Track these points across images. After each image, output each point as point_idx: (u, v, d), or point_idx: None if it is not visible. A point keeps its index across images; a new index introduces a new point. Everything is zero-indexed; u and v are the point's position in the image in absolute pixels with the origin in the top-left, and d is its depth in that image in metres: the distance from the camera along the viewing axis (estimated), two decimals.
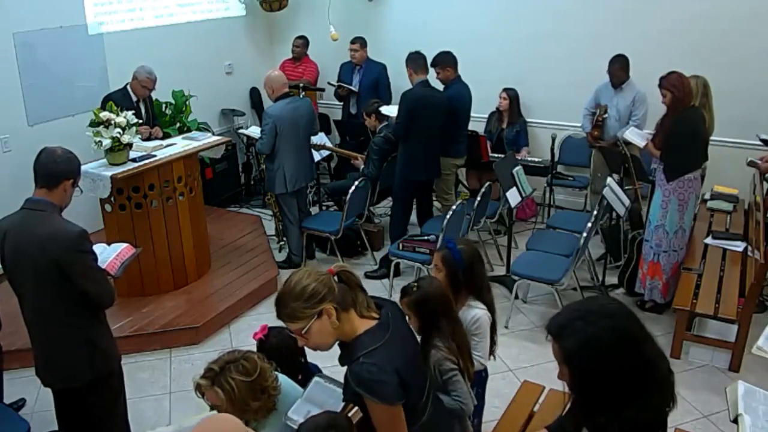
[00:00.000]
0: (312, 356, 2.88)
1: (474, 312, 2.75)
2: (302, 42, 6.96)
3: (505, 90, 6.11)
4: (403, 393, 1.97)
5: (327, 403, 2.23)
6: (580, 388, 1.64)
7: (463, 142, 5.46)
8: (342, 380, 2.34)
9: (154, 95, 5.79)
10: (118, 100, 4.77)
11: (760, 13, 5.24)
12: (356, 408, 2.05)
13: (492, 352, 2.90)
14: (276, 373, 2.32)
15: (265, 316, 4.78)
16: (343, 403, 2.15)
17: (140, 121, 4.86)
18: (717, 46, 5.38)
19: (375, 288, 5.05)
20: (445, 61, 5.25)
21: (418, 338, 2.44)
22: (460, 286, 2.75)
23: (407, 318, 2.49)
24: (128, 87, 5.24)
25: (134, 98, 5.24)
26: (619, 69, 5.41)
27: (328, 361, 3.06)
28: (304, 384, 2.61)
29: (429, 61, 5.20)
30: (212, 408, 2.19)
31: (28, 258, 2.63)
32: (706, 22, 5.41)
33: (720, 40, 5.37)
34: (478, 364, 2.74)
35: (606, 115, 5.56)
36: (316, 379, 2.36)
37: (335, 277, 2.02)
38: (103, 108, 4.45)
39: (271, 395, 2.21)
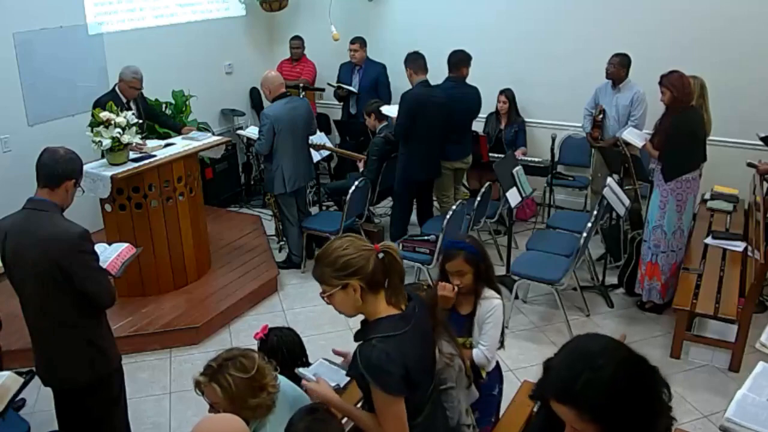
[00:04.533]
0: (313, 357, 2.89)
1: (494, 302, 2.78)
2: (299, 42, 6.97)
3: (503, 92, 6.11)
4: (405, 388, 1.99)
5: (332, 379, 2.36)
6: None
7: (455, 143, 5.38)
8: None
9: (153, 95, 5.80)
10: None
11: (761, 12, 5.24)
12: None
13: (501, 342, 2.91)
14: (276, 371, 2.31)
15: (265, 316, 4.79)
16: (347, 379, 2.23)
17: (140, 121, 4.85)
18: (717, 45, 5.38)
19: None
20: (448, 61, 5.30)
21: None
22: (483, 279, 2.78)
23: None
24: (117, 89, 5.13)
25: (124, 100, 5.09)
26: (618, 63, 5.39)
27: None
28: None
29: (430, 61, 5.20)
30: (211, 406, 2.19)
31: (29, 258, 2.63)
32: (707, 21, 5.41)
33: (720, 40, 5.38)
34: (484, 359, 2.76)
35: (601, 116, 5.57)
36: (321, 360, 2.48)
37: (380, 254, 2.00)
38: (92, 113, 4.38)
39: (270, 393, 2.21)
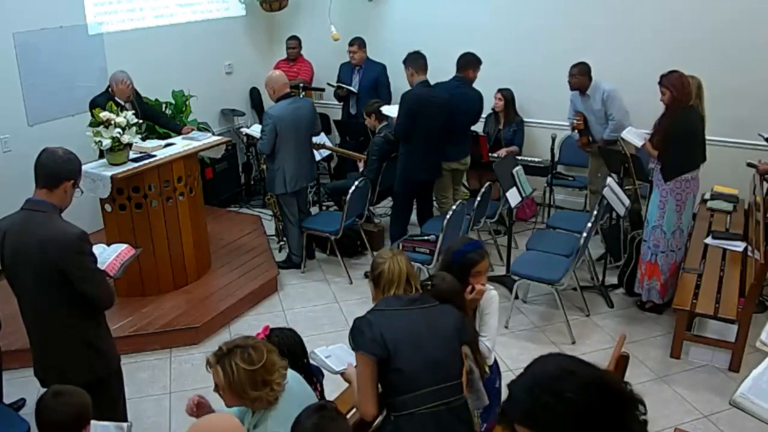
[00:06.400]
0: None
1: (492, 293, 2.89)
2: (296, 42, 6.98)
3: (500, 91, 6.11)
4: (376, 349, 2.26)
5: (347, 360, 2.67)
6: None
7: (453, 144, 5.37)
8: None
9: (153, 95, 5.80)
10: (104, 104, 4.55)
11: (761, 12, 5.23)
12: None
13: None
14: (286, 371, 2.32)
15: (265, 316, 4.78)
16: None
17: (140, 122, 4.84)
18: (717, 45, 5.37)
19: None
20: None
21: None
22: None
23: None
24: (110, 91, 5.09)
25: (120, 101, 5.00)
26: (578, 73, 5.41)
27: None
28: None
29: (430, 61, 5.18)
30: (216, 385, 2.25)
31: (28, 259, 2.63)
32: (707, 20, 5.41)
33: (720, 40, 5.37)
34: (486, 349, 2.79)
35: (576, 121, 5.58)
36: (340, 344, 2.76)
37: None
38: (90, 113, 4.38)
39: (273, 389, 2.22)
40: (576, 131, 5.67)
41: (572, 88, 5.52)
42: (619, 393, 1.43)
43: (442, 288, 2.59)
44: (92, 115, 4.33)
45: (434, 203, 5.78)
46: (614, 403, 1.41)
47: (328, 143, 6.13)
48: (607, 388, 1.42)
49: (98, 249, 2.94)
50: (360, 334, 2.29)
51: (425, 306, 2.39)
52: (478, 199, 5.12)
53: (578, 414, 1.37)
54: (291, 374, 2.38)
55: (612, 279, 5.06)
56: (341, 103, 6.89)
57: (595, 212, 4.64)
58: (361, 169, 5.70)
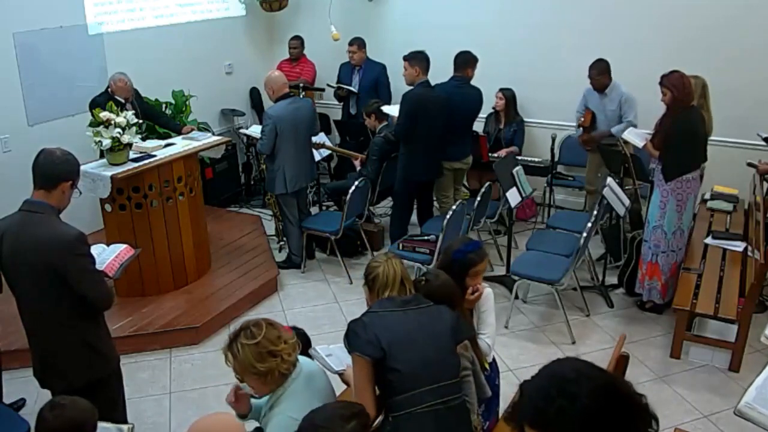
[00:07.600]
0: None
1: (488, 290, 2.91)
2: (298, 42, 6.98)
3: (501, 90, 6.11)
4: (371, 350, 2.27)
5: (345, 359, 2.68)
6: None
7: (455, 144, 5.37)
8: None
9: (153, 95, 5.79)
10: (104, 104, 4.57)
11: (760, 11, 5.23)
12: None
13: None
14: (294, 341, 2.37)
15: (264, 316, 4.75)
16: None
17: (140, 122, 4.84)
18: (717, 45, 5.37)
19: None
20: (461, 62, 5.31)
21: None
22: None
23: None
24: (109, 91, 5.11)
25: (120, 99, 5.06)
26: (597, 74, 5.40)
27: None
28: None
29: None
30: (237, 375, 2.31)
31: (26, 260, 2.62)
32: (707, 20, 5.41)
33: (720, 39, 5.37)
34: (486, 346, 2.80)
35: (584, 119, 5.57)
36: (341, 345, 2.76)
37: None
38: (91, 113, 4.39)
39: (284, 359, 2.27)
40: (580, 128, 5.66)
41: (595, 89, 5.50)
42: (632, 402, 1.43)
43: (435, 285, 2.60)
44: (92, 115, 4.34)
45: (434, 203, 5.78)
46: (626, 411, 1.40)
47: (328, 143, 6.13)
48: (620, 395, 1.42)
49: (97, 249, 2.93)
50: (355, 336, 2.31)
51: (420, 306, 2.41)
52: (478, 199, 5.11)
53: (589, 417, 1.36)
54: (316, 367, 2.48)
55: (612, 279, 5.06)
56: (341, 103, 6.89)
57: (595, 212, 4.64)
58: (358, 168, 5.70)
